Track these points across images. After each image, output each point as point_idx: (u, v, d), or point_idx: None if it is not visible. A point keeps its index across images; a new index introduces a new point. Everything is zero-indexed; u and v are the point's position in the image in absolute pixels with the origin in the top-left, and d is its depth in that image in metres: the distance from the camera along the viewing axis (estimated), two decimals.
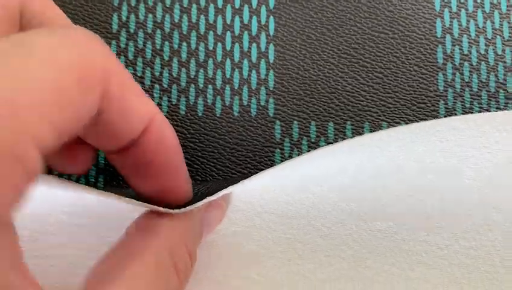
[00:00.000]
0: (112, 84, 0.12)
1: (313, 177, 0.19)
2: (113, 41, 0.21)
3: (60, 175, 0.20)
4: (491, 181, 0.19)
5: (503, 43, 0.21)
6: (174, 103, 0.20)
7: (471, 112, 0.21)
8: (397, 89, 0.21)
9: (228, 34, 0.21)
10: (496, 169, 0.19)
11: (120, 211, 0.18)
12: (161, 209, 0.15)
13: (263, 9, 0.21)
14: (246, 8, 0.21)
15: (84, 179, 0.20)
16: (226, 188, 0.16)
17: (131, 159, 0.14)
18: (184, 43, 0.21)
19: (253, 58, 0.21)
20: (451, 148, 0.18)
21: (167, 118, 0.20)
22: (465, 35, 0.21)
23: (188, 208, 0.16)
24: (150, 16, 0.21)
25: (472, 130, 0.18)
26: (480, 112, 0.21)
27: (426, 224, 0.19)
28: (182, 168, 0.15)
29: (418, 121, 0.21)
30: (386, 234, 0.19)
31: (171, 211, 0.15)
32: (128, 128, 0.14)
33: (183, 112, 0.20)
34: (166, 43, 0.21)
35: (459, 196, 0.19)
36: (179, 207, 0.16)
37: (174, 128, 0.20)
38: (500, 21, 0.21)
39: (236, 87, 0.21)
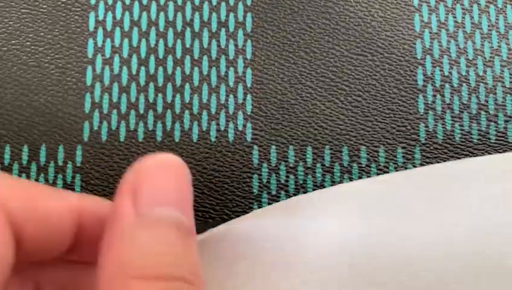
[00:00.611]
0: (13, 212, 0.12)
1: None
2: (89, 67, 0.20)
3: None
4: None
5: (484, 64, 0.21)
6: (150, 129, 0.20)
7: (453, 135, 0.20)
8: (376, 112, 0.20)
9: (205, 58, 0.21)
10: None
11: None
12: None
13: (240, 32, 0.21)
14: (223, 32, 0.21)
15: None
16: None
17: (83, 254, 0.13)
18: (160, 68, 0.21)
19: (231, 83, 0.20)
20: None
21: (143, 144, 0.20)
22: (445, 56, 0.21)
23: None
24: (126, 40, 0.21)
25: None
26: (461, 134, 0.20)
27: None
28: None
29: (397, 146, 0.20)
30: None
31: None
32: (54, 240, 0.12)
33: (160, 138, 0.20)
34: (142, 68, 0.20)
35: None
36: None
37: (151, 154, 0.20)
38: (481, 41, 0.21)
39: (213, 112, 0.20)
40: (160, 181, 0.13)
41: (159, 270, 0.11)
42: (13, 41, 0.21)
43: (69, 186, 0.20)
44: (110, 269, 0.12)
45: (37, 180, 0.20)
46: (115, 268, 0.11)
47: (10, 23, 0.21)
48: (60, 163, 0.20)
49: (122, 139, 0.20)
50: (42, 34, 0.21)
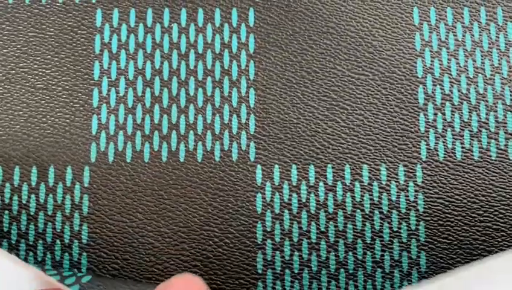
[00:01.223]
0: None
1: None
2: (95, 88, 0.21)
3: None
4: None
5: (485, 82, 0.21)
6: (156, 150, 0.21)
7: (454, 153, 0.21)
8: (378, 131, 0.21)
9: (209, 79, 0.21)
10: None
11: None
12: None
13: (243, 53, 0.21)
14: (226, 53, 0.21)
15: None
16: None
17: None
18: (165, 89, 0.21)
19: (234, 103, 0.21)
20: None
21: (149, 165, 0.20)
22: (446, 75, 0.21)
23: None
24: (131, 62, 0.21)
25: None
26: (462, 152, 0.21)
27: None
28: None
29: (398, 164, 0.20)
30: None
31: None
32: None
33: (165, 159, 0.21)
34: (148, 89, 0.21)
35: None
36: None
37: (157, 175, 0.20)
38: (481, 59, 0.21)
39: (217, 132, 0.21)
40: None
41: None
42: (21, 64, 0.21)
43: (77, 206, 0.20)
44: None
45: (45, 201, 0.20)
46: None
47: (18, 46, 0.21)
48: (68, 184, 0.20)
49: (128, 160, 0.20)
50: (49, 57, 0.21)
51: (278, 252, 0.20)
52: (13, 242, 0.20)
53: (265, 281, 0.20)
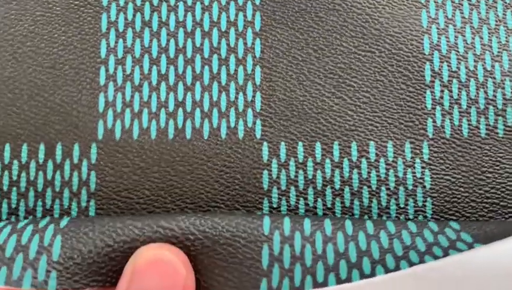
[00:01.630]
0: None
1: None
2: (102, 67, 0.21)
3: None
4: None
5: (492, 59, 0.21)
6: (163, 127, 0.21)
7: (460, 130, 0.21)
8: (384, 108, 0.21)
9: (215, 57, 0.21)
10: None
11: None
12: None
13: (249, 31, 0.21)
14: (232, 31, 0.21)
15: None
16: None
17: None
18: (172, 67, 0.21)
19: (240, 81, 0.21)
20: None
21: (156, 141, 0.20)
22: (453, 52, 0.21)
23: None
24: (138, 40, 0.21)
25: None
26: (469, 130, 0.21)
27: None
28: None
29: (405, 141, 0.20)
30: None
31: None
32: None
33: (172, 136, 0.21)
34: (154, 67, 0.21)
35: None
36: None
37: (164, 152, 0.20)
38: (489, 36, 0.21)
39: (223, 110, 0.21)
40: (149, 275, 0.17)
41: None
42: (28, 44, 0.21)
43: (84, 183, 0.20)
44: None
45: (53, 178, 0.20)
46: None
47: (25, 25, 0.21)
48: (76, 161, 0.20)
49: (135, 137, 0.20)
50: (56, 35, 0.21)
51: None
52: (21, 219, 0.20)
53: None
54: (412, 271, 0.16)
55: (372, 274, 0.17)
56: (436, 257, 0.16)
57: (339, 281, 0.17)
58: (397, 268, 0.17)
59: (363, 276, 0.17)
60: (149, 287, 0.17)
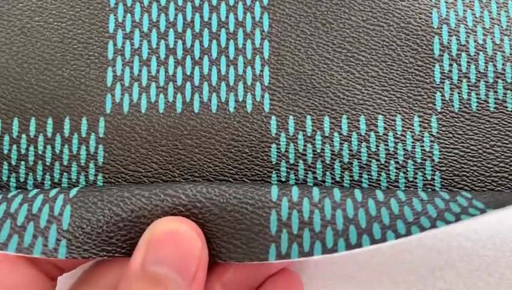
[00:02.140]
0: None
1: None
2: (110, 41, 0.21)
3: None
4: None
5: (501, 32, 0.21)
6: (171, 101, 0.21)
7: (469, 104, 0.20)
8: (393, 82, 0.21)
9: (223, 31, 0.21)
10: None
11: None
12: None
13: (257, 5, 0.21)
14: (240, 5, 0.21)
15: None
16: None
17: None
18: (180, 41, 0.21)
19: (248, 55, 0.21)
20: None
21: (164, 115, 0.20)
22: (462, 25, 0.21)
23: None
24: (146, 15, 0.21)
25: None
26: (478, 103, 0.20)
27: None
28: None
29: (413, 115, 0.20)
30: None
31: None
32: None
33: (180, 110, 0.21)
34: (162, 41, 0.21)
35: None
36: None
37: (171, 125, 0.20)
38: (497, 10, 0.21)
39: (231, 84, 0.21)
40: (166, 246, 0.17)
41: None
42: (36, 18, 0.21)
43: (92, 157, 0.20)
44: None
45: (61, 151, 0.20)
46: None
47: (34, 0, 0.21)
48: (84, 134, 0.20)
49: (143, 111, 0.20)
50: (64, 10, 0.21)
51: None
52: None
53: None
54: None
55: (383, 239, 0.17)
56: (448, 222, 0.16)
57: (349, 246, 0.17)
58: (408, 233, 0.17)
59: (373, 241, 0.17)
60: (165, 258, 0.17)
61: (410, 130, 0.20)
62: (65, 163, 0.20)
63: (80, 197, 0.18)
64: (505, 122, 0.20)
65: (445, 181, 0.20)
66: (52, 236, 0.18)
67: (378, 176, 0.20)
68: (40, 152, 0.20)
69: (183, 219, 0.18)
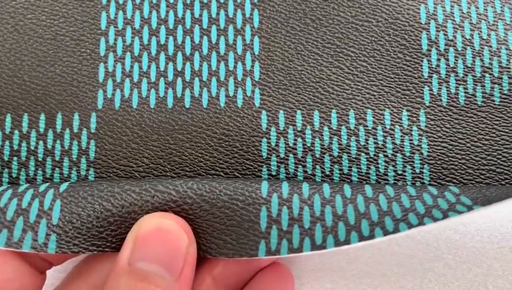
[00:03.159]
0: None
1: None
2: (102, 38, 0.21)
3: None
4: None
5: (488, 28, 0.21)
6: (162, 96, 0.21)
7: (457, 98, 0.21)
8: (381, 77, 0.21)
9: (214, 27, 0.21)
10: None
11: None
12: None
13: (247, 2, 0.21)
14: (230, 2, 0.21)
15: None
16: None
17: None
18: (171, 38, 0.21)
19: (239, 51, 0.21)
20: None
21: (155, 110, 0.21)
22: (449, 21, 0.21)
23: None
24: (138, 12, 0.21)
25: None
26: (465, 97, 0.21)
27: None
28: None
29: (402, 109, 0.21)
30: None
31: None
32: None
33: (171, 105, 0.21)
34: (154, 38, 0.21)
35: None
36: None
37: (163, 120, 0.21)
38: (484, 6, 0.21)
39: (222, 79, 0.21)
40: (152, 242, 0.17)
41: None
42: (29, 16, 0.21)
43: (84, 152, 0.20)
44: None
45: (53, 147, 0.21)
46: None
47: None
48: (76, 130, 0.21)
49: (134, 106, 0.21)
50: (57, 8, 0.21)
51: None
52: None
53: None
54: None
55: (371, 236, 0.17)
56: (435, 220, 0.17)
57: (338, 243, 0.17)
58: (396, 230, 0.17)
59: (362, 238, 0.17)
60: (151, 254, 0.17)
61: (398, 124, 0.21)
62: (57, 158, 0.21)
63: (70, 191, 0.18)
64: (493, 116, 0.21)
65: (434, 174, 0.20)
66: (42, 231, 0.18)
67: (367, 170, 0.20)
68: (32, 148, 0.21)
69: (170, 215, 0.18)
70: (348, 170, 0.20)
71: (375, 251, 0.20)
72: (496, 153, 0.20)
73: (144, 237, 0.17)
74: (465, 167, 0.20)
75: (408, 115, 0.21)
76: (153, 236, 0.17)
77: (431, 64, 0.21)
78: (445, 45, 0.21)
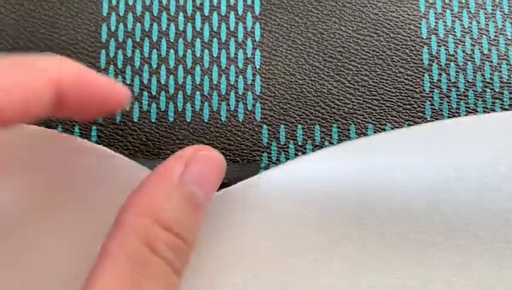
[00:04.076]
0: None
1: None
2: (103, 51, 0.21)
3: None
4: (478, 180, 0.19)
5: (489, 43, 0.21)
6: (162, 110, 0.21)
7: (458, 113, 0.21)
8: (383, 92, 0.21)
9: (215, 40, 0.21)
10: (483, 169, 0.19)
11: None
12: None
13: (249, 15, 0.21)
14: (232, 15, 0.21)
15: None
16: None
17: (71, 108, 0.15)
18: (172, 51, 0.21)
19: (240, 64, 0.21)
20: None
21: (156, 124, 0.21)
22: (450, 36, 0.21)
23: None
24: (138, 25, 0.21)
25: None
26: (467, 112, 0.21)
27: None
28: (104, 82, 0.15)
29: (403, 124, 0.21)
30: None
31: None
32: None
33: (172, 119, 0.21)
34: (154, 51, 0.21)
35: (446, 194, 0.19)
36: None
37: (164, 135, 0.20)
38: (485, 21, 0.21)
39: (223, 93, 0.21)
40: (205, 169, 0.16)
41: (167, 222, 0.15)
42: (30, 28, 0.21)
43: None
44: (137, 200, 0.15)
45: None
46: (141, 201, 0.15)
47: (27, 10, 0.21)
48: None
49: (135, 120, 0.21)
50: (59, 20, 0.21)
51: None
52: None
53: None
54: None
55: None
56: None
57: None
58: None
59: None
60: (202, 180, 0.16)
61: None
62: None
63: None
64: None
65: None
66: None
67: None
68: None
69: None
70: None
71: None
72: None
73: (200, 159, 0.16)
74: None
75: None
76: (209, 162, 0.16)
77: (432, 79, 0.21)
78: (446, 60, 0.21)
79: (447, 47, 0.21)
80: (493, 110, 0.21)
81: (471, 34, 0.21)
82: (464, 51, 0.21)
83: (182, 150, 0.16)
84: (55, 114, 0.15)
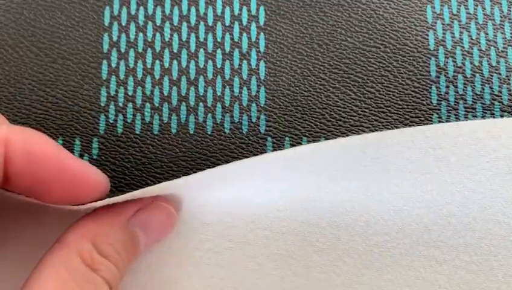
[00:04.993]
0: None
1: (305, 192, 0.19)
2: (104, 61, 0.21)
3: None
4: (492, 192, 0.19)
5: (497, 54, 0.21)
6: (165, 122, 0.20)
7: None
8: (389, 104, 0.20)
9: (219, 51, 0.21)
10: (496, 179, 0.19)
11: None
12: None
13: (253, 26, 0.21)
14: (236, 25, 0.21)
15: None
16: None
17: (23, 184, 0.16)
18: (175, 61, 0.21)
19: (244, 75, 0.21)
20: (446, 156, 0.18)
21: (159, 136, 0.20)
22: (458, 47, 0.21)
23: (100, 202, 0.16)
24: (141, 34, 0.21)
25: (465, 137, 0.18)
26: None
27: (424, 238, 0.19)
28: (71, 163, 0.16)
29: None
30: (383, 249, 0.19)
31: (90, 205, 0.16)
32: None
33: (175, 131, 0.20)
34: (157, 61, 0.21)
35: (459, 208, 0.19)
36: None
37: (166, 147, 0.20)
38: (494, 32, 0.21)
39: (227, 105, 0.20)
40: (154, 218, 0.18)
41: (106, 251, 0.16)
42: (30, 38, 0.21)
43: None
44: (84, 223, 0.17)
45: None
46: (88, 225, 0.16)
47: (27, 20, 0.21)
48: (77, 155, 0.20)
49: (137, 132, 0.20)
50: (61, 30, 0.21)
51: None
52: None
53: None
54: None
55: None
56: None
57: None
58: None
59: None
60: (151, 226, 0.18)
61: None
62: None
63: None
64: None
65: None
66: None
67: None
68: None
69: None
70: None
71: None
72: None
73: (153, 208, 0.18)
74: None
75: None
76: (160, 213, 0.18)
77: (440, 91, 0.20)
78: (454, 72, 0.21)
79: (455, 59, 0.21)
80: None
81: (479, 46, 0.21)
82: (471, 63, 0.21)
83: (142, 198, 0.18)
84: (5, 186, 0.16)
